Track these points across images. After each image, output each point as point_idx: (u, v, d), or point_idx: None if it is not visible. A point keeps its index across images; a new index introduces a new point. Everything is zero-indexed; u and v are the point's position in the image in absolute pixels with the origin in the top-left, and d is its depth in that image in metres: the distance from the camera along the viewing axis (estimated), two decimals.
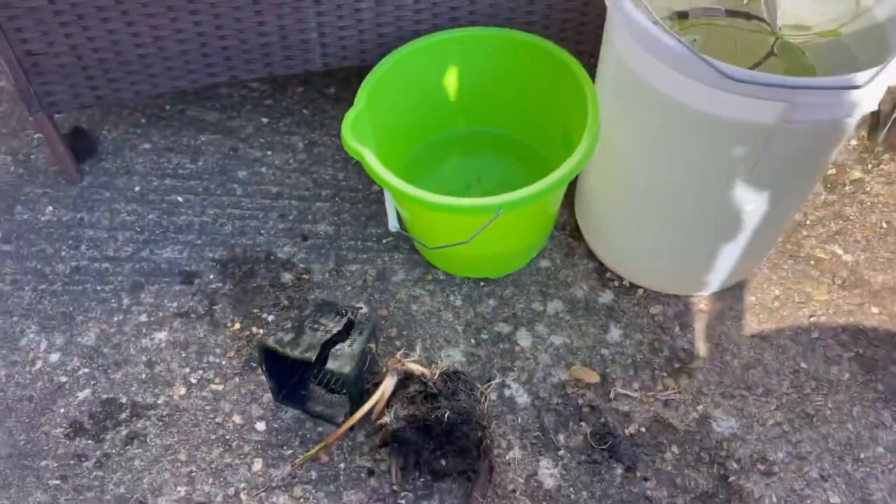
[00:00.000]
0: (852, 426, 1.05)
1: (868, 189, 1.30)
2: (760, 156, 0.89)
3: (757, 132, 0.87)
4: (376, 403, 0.96)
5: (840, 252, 1.23)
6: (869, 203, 1.29)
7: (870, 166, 1.34)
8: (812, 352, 1.12)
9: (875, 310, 1.16)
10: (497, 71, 1.22)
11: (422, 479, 1.00)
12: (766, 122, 0.85)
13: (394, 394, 0.97)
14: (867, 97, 0.82)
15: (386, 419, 0.96)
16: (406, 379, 0.98)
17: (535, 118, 1.24)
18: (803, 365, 1.11)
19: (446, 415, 0.94)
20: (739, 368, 1.10)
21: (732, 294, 1.18)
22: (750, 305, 1.17)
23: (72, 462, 1.01)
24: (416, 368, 0.97)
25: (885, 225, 1.26)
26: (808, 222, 1.27)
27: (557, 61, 1.13)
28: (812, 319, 1.15)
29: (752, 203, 0.98)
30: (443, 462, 0.99)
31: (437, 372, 0.97)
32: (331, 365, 0.98)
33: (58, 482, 0.99)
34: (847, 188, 1.31)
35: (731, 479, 1.01)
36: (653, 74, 0.90)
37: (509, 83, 1.23)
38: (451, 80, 1.24)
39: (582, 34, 1.26)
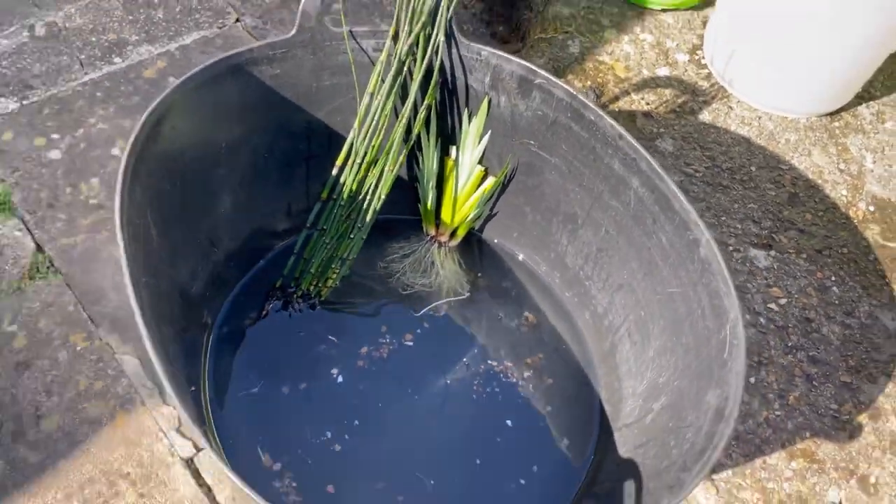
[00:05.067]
0: (741, 210, 1.28)
1: None
2: None
3: None
4: None
5: (869, 160, 1.38)
6: None
7: None
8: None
9: (867, 224, 1.33)
10: None
11: None
12: None
13: None
14: None
15: None
16: None
17: None
18: (753, 169, 1.33)
19: None
20: (714, 144, 1.36)
21: (759, 118, 1.40)
22: (778, 122, 1.39)
23: None
24: None
25: None
26: (864, 126, 1.42)
27: None
28: (789, 176, 1.35)
29: None
30: None
31: None
32: None
33: None
34: None
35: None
36: None
37: None
38: None
39: None
